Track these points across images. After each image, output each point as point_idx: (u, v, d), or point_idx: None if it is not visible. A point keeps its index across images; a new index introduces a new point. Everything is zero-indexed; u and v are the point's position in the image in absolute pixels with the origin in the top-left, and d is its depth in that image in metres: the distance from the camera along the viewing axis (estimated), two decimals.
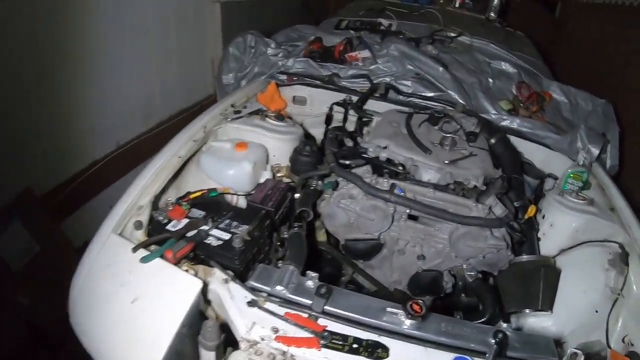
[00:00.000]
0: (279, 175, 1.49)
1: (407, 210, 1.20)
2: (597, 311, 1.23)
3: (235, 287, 0.94)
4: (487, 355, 0.87)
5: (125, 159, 2.19)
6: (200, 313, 0.95)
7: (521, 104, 1.87)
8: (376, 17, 2.36)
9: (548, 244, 1.43)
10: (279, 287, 0.94)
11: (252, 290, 0.94)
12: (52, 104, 1.85)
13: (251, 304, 0.91)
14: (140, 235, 1.11)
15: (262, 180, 1.41)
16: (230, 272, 1.00)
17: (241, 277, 1.00)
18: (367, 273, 1.33)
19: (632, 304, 1.21)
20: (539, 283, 1.24)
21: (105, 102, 2.16)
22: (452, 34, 2.24)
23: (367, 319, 0.90)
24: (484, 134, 1.54)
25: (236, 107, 1.63)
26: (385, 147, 1.30)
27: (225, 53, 1.99)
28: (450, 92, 1.71)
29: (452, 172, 1.25)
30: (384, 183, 1.19)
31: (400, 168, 1.29)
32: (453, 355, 0.88)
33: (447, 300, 1.38)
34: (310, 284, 0.96)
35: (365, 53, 1.83)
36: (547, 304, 1.23)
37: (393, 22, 2.32)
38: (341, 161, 1.30)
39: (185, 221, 1.13)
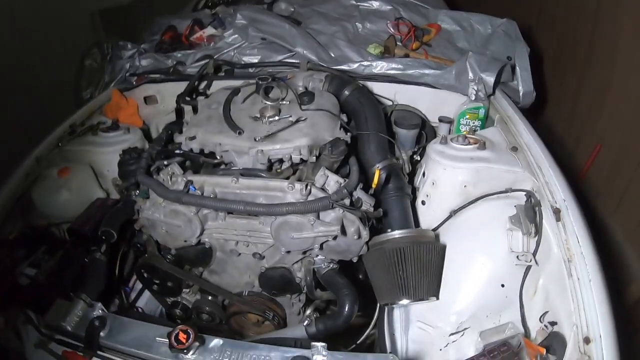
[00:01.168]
0: (118, 189, 1.41)
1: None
2: (503, 285, 1.02)
3: (31, 329, 0.93)
4: None
5: None
6: None
7: (398, 43, 1.67)
8: None
9: (434, 208, 1.24)
10: (63, 323, 0.90)
11: (46, 327, 0.91)
12: None
13: (37, 345, 0.88)
14: None
15: (93, 200, 1.33)
16: (31, 313, 0.95)
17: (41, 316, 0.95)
18: (206, 281, 1.23)
19: (549, 271, 0.99)
20: (406, 266, 1.01)
21: None
22: None
23: (139, 352, 0.85)
24: (331, 89, 1.38)
25: (75, 127, 1.53)
26: (193, 138, 1.16)
27: (80, 66, 1.88)
28: (299, 49, 1.53)
29: (264, 150, 1.11)
30: (179, 181, 1.07)
31: (218, 158, 1.16)
32: None
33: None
34: (93, 314, 0.90)
35: (211, 30, 1.68)
36: (424, 291, 1.02)
37: None
38: (159, 162, 1.19)
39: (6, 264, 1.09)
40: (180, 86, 1.62)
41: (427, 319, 1.08)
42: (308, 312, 1.26)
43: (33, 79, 2.34)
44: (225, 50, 1.62)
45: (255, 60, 1.59)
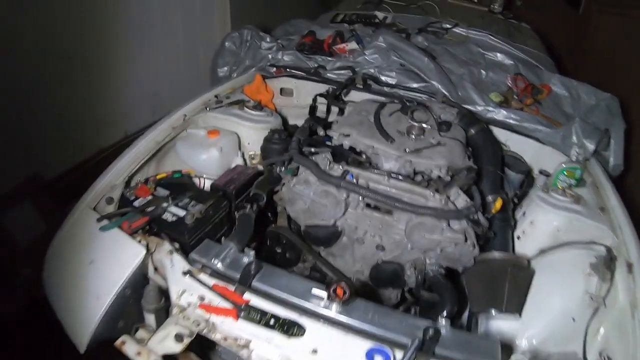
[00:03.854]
0: (253, 162, 1.62)
1: (360, 198, 1.26)
2: (574, 319, 1.16)
3: (177, 258, 1.07)
4: (408, 346, 0.88)
5: None
6: (146, 279, 1.09)
7: (515, 97, 1.86)
8: (373, 10, 2.43)
9: (527, 244, 1.39)
10: (214, 261, 1.05)
11: (192, 261, 1.06)
12: (63, 95, 2.10)
13: (185, 273, 1.02)
14: (110, 209, 1.27)
15: (233, 166, 1.54)
16: (177, 245, 1.13)
17: (187, 252, 1.12)
18: (325, 260, 1.40)
19: (614, 314, 1.14)
20: (505, 283, 1.17)
21: (115, 94, 2.41)
22: (447, 25, 2.26)
23: (290, 298, 0.99)
24: (462, 124, 1.57)
25: (219, 97, 1.77)
26: (347, 135, 1.37)
27: (221, 47, 2.15)
28: (434, 82, 1.75)
29: (412, 161, 1.30)
30: (337, 169, 1.26)
31: (364, 157, 1.36)
32: (371, 343, 0.90)
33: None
34: (245, 260, 1.07)
35: (353, 45, 1.92)
36: (513, 306, 1.16)
37: (388, 15, 2.38)
38: (305, 149, 1.39)
39: (149, 198, 1.28)
40: (317, 87, 1.85)
41: (504, 335, 1.20)
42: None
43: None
44: (365, 66, 1.85)
45: (393, 82, 1.80)
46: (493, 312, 1.16)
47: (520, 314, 1.18)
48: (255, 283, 1.02)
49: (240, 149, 1.60)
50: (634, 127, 2.48)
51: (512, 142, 1.77)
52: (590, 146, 1.65)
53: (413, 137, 1.38)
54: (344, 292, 0.95)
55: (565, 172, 1.65)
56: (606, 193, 1.50)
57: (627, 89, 2.87)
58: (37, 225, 2.10)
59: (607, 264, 1.20)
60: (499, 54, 2.08)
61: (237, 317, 0.94)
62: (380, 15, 2.37)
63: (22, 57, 1.88)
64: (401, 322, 0.98)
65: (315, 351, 0.89)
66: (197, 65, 2.97)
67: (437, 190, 1.27)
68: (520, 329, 1.19)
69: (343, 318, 0.96)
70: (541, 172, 1.72)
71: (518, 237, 1.43)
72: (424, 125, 1.42)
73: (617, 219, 1.35)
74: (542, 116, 1.85)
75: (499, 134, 1.76)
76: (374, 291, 1.42)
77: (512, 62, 2.05)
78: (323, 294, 0.98)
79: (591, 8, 4.00)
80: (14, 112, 1.93)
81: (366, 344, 0.90)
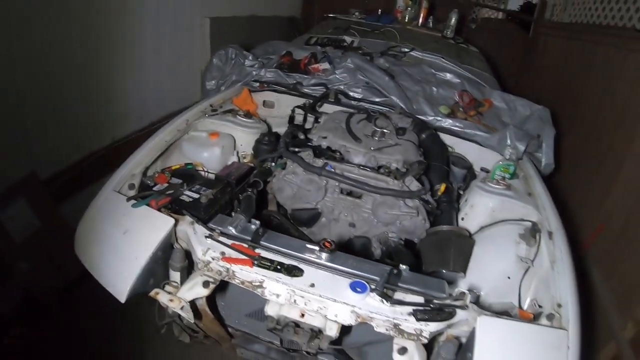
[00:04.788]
0: (245, 160, 1.98)
1: (337, 184, 1.65)
2: (509, 277, 1.46)
3: (198, 227, 1.40)
4: (378, 280, 1.26)
5: (119, 152, 2.66)
6: (171, 246, 1.40)
7: (460, 109, 2.35)
8: (342, 34, 2.91)
9: (470, 223, 1.77)
10: (229, 227, 1.39)
11: (210, 229, 1.40)
12: (58, 99, 2.33)
13: (208, 236, 1.36)
14: (132, 194, 1.57)
15: (229, 162, 1.89)
16: (196, 218, 1.45)
17: (205, 223, 1.45)
18: (310, 238, 1.77)
19: (542, 272, 1.43)
20: (451, 247, 1.54)
21: (107, 103, 2.67)
22: (406, 49, 2.77)
23: (290, 251, 1.34)
24: (415, 130, 2.02)
25: (214, 106, 2.12)
26: (325, 137, 1.77)
27: (210, 63, 2.50)
28: (393, 97, 2.19)
29: (376, 156, 1.72)
30: (319, 162, 1.66)
31: (338, 154, 1.76)
32: (353, 279, 1.26)
33: None
34: (253, 227, 1.42)
35: (326, 65, 2.34)
36: (459, 267, 1.49)
37: (355, 39, 2.86)
38: (291, 148, 1.77)
39: (166, 185, 1.60)
40: (295, 100, 2.24)
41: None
42: None
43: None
44: (336, 83, 2.28)
45: (359, 97, 2.24)
46: (444, 271, 1.50)
47: (465, 273, 1.51)
48: (263, 242, 1.36)
49: (236, 149, 1.95)
50: (572, 131, 3.07)
51: (458, 145, 2.22)
52: (521, 147, 2.06)
53: (376, 139, 1.81)
54: (331, 244, 1.32)
55: (501, 168, 2.08)
56: (534, 183, 1.88)
57: (570, 100, 3.48)
58: (32, 222, 2.29)
59: (532, 233, 1.54)
60: (448, 74, 2.53)
61: (252, 265, 1.28)
62: (348, 39, 2.84)
63: (28, 59, 2.11)
64: (373, 267, 1.32)
65: (313, 285, 1.24)
66: (180, 79, 3.28)
67: (396, 177, 1.69)
68: (466, 287, 1.47)
69: (330, 263, 1.30)
70: (482, 169, 2.14)
71: (462, 219, 1.81)
72: (385, 130, 1.86)
73: (542, 201, 1.71)
74: (483, 125, 2.27)
75: (447, 139, 2.20)
76: None
77: (459, 80, 2.50)
78: (316, 247, 1.34)
79: (540, 32, 4.75)
80: (12, 115, 2.14)
81: (349, 280, 1.25)
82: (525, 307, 1.40)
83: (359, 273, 1.29)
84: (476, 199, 1.78)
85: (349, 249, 1.73)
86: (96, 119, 2.61)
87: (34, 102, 2.21)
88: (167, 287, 1.36)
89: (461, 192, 2.04)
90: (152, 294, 1.32)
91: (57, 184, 2.40)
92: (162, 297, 1.31)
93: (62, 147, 2.42)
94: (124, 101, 2.77)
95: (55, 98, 2.31)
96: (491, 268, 1.52)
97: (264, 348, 1.62)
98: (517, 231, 1.59)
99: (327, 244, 1.32)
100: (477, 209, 1.77)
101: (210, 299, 1.42)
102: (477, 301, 1.34)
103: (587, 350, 1.32)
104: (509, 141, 2.10)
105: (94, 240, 1.43)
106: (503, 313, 1.33)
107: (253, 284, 1.26)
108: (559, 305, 1.28)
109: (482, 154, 2.18)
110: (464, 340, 1.26)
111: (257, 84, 2.35)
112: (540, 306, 1.36)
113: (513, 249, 1.53)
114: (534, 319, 1.31)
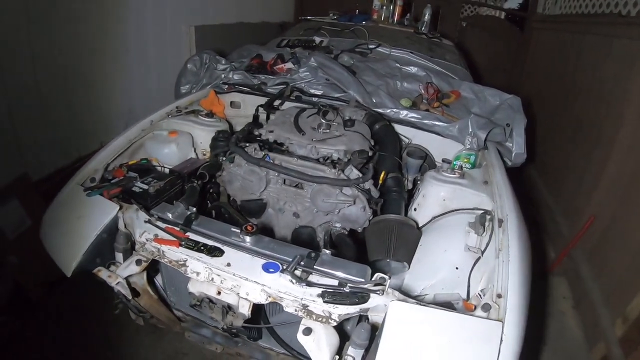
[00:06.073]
0: (204, 157, 2.17)
1: (277, 175, 1.80)
2: (457, 268, 1.46)
3: (141, 214, 1.59)
4: (290, 261, 1.32)
5: None
6: (117, 229, 1.60)
7: (424, 101, 2.44)
8: (313, 35, 3.07)
9: (422, 213, 1.83)
10: (167, 214, 1.57)
11: (150, 214, 1.58)
12: (53, 106, 2.63)
13: (147, 221, 1.54)
14: None
15: (187, 158, 2.09)
16: (141, 205, 1.64)
17: (148, 210, 1.64)
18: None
19: (490, 264, 1.42)
20: (393, 236, 1.57)
21: (97, 109, 2.96)
22: (372, 46, 2.90)
23: (216, 234, 1.48)
24: (369, 122, 2.14)
25: (180, 108, 2.34)
26: (271, 131, 1.93)
27: (184, 68, 2.72)
28: (351, 92, 2.33)
29: (317, 147, 1.86)
30: (259, 153, 1.82)
31: (284, 146, 1.92)
32: (269, 261, 1.35)
33: None
34: (188, 213, 1.58)
35: (289, 65, 2.51)
36: (400, 256, 1.52)
37: (324, 39, 3.02)
38: (241, 143, 1.95)
39: (121, 178, 1.81)
40: (260, 99, 2.42)
41: (402, 287, 1.57)
42: None
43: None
44: (298, 82, 2.43)
45: (319, 93, 2.39)
46: (388, 260, 1.52)
47: (408, 264, 1.53)
48: (194, 226, 1.52)
49: (194, 146, 2.15)
50: (563, 122, 3.11)
51: (418, 137, 2.29)
52: (482, 135, 2.09)
53: (321, 131, 1.95)
54: (252, 227, 1.47)
55: (461, 158, 2.11)
56: (495, 171, 1.88)
57: (562, 92, 3.53)
58: (24, 221, 2.58)
59: (481, 221, 1.53)
60: (414, 67, 2.63)
61: (179, 245, 1.45)
62: (317, 39, 3.01)
63: (18, 68, 2.40)
64: (293, 250, 1.39)
65: (229, 264, 1.37)
66: (166, 86, 3.55)
67: (335, 167, 1.82)
68: (414, 279, 1.52)
69: (251, 246, 1.42)
70: (443, 160, 2.16)
71: (415, 209, 1.87)
72: (332, 122, 2.00)
73: (499, 189, 1.72)
74: (447, 115, 2.31)
75: (407, 131, 2.29)
76: None
77: (424, 73, 2.59)
78: (239, 230, 1.49)
79: (532, 26, 4.86)
80: (2, 123, 2.44)
81: (264, 261, 1.38)
82: (471, 299, 1.39)
83: (277, 255, 1.38)
84: (427, 189, 1.83)
85: (295, 239, 1.89)
86: (85, 125, 2.90)
87: (27, 106, 2.51)
88: (112, 267, 1.56)
89: (418, 182, 2.13)
90: (94, 271, 1.52)
91: (47, 186, 2.69)
92: (103, 274, 1.50)
93: (52, 150, 2.71)
94: (111, 108, 3.05)
95: (48, 102, 2.61)
96: (440, 258, 1.53)
97: (210, 332, 1.77)
98: (467, 221, 1.60)
99: (248, 227, 1.45)
100: (429, 199, 1.82)
101: (152, 282, 1.60)
102: (400, 288, 1.37)
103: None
104: (470, 130, 2.15)
105: (55, 225, 1.66)
106: (447, 304, 1.34)
107: (178, 263, 1.42)
108: (499, 296, 1.27)
109: (445, 145, 2.23)
110: None
111: (226, 86, 2.55)
112: (482, 295, 1.35)
113: (462, 238, 1.54)
114: (475, 309, 1.29)
